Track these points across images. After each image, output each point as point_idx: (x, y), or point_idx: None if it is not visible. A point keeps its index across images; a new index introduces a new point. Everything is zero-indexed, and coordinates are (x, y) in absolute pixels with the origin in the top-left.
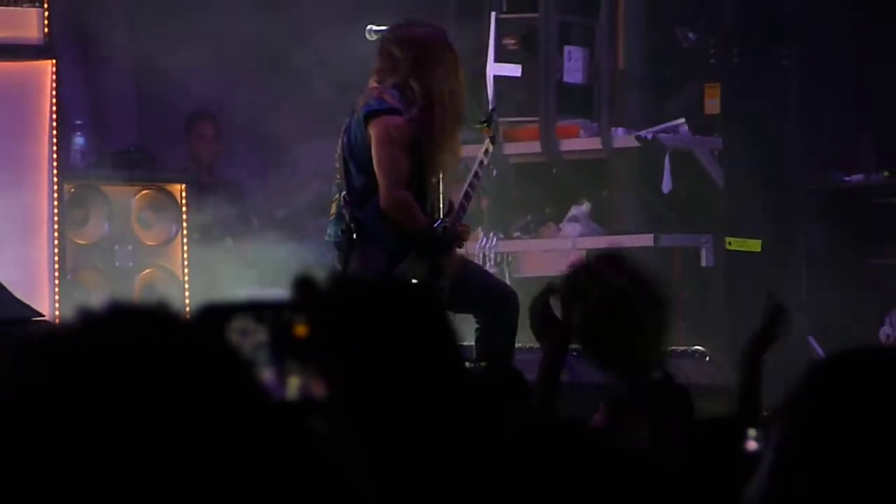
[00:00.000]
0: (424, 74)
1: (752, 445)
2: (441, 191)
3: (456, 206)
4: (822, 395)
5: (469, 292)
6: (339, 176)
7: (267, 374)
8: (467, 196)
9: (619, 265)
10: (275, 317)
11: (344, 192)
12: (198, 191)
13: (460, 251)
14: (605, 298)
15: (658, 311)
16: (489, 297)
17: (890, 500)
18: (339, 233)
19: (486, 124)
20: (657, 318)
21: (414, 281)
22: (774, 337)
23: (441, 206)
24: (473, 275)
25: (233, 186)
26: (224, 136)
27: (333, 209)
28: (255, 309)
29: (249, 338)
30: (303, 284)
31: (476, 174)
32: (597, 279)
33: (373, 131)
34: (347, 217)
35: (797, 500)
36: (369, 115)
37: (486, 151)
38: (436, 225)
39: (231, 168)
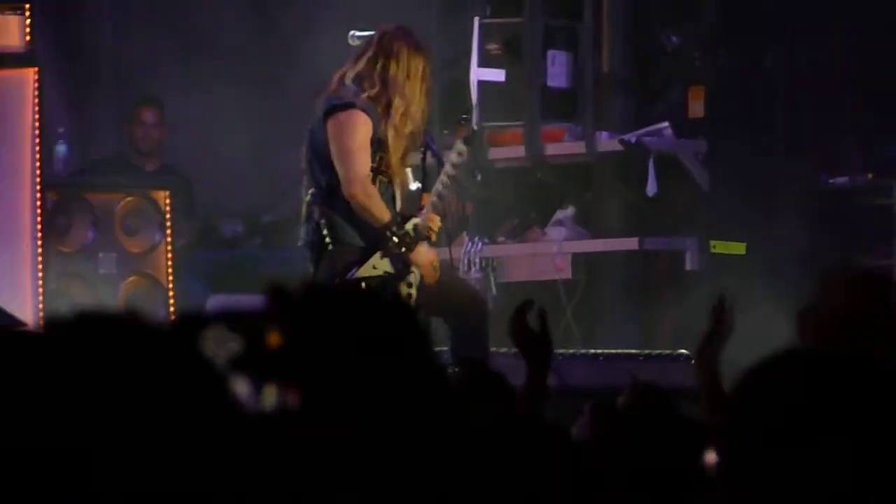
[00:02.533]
0: (383, 67)
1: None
2: (406, 189)
3: (427, 205)
4: (753, 401)
5: (440, 295)
6: (306, 178)
7: (242, 385)
8: (440, 196)
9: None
10: (248, 326)
11: (312, 191)
12: (136, 177)
13: (437, 255)
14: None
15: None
16: (461, 301)
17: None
18: (311, 231)
19: (461, 123)
20: None
21: (383, 273)
22: (723, 335)
23: (404, 203)
24: (445, 278)
25: (179, 178)
26: (208, 140)
27: (303, 210)
28: (229, 318)
29: (224, 348)
30: (274, 292)
31: (448, 174)
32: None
33: (330, 126)
34: (317, 215)
35: None
36: (327, 112)
37: (459, 153)
38: (406, 223)
39: (215, 171)
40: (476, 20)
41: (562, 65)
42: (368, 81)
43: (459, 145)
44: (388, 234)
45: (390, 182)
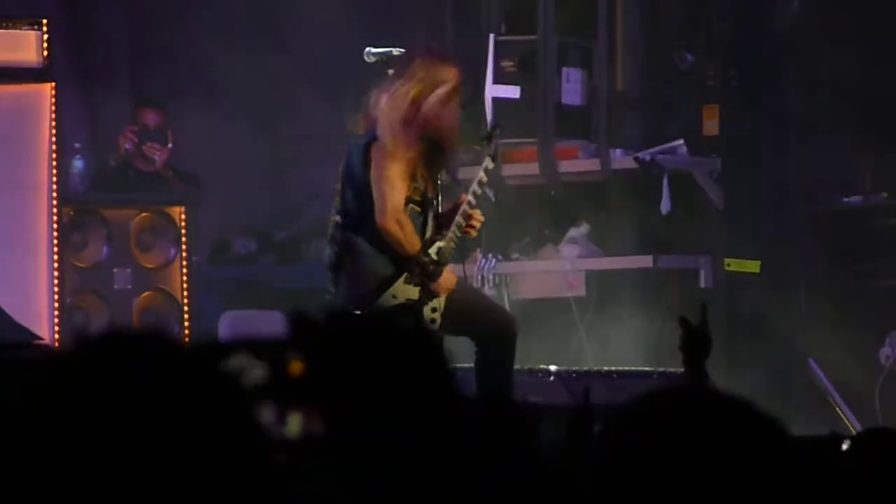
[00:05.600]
0: (419, 93)
1: None
2: (437, 211)
3: (452, 225)
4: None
5: (467, 316)
6: (337, 198)
7: (266, 412)
8: (465, 215)
9: None
10: (272, 354)
11: (337, 216)
12: (134, 180)
13: (459, 274)
14: None
15: None
16: (488, 322)
17: None
18: (333, 255)
19: (486, 141)
20: None
21: (404, 300)
22: (708, 340)
23: (435, 225)
24: (471, 298)
25: (190, 183)
26: (220, 157)
27: (329, 230)
28: (253, 346)
29: (248, 375)
30: (297, 320)
31: (474, 193)
32: None
33: (374, 154)
34: (339, 239)
35: None
36: (371, 142)
37: (486, 169)
38: (429, 248)
39: (227, 188)
40: (491, 37)
41: (576, 82)
42: (406, 109)
43: (487, 162)
44: (415, 263)
45: (423, 210)
